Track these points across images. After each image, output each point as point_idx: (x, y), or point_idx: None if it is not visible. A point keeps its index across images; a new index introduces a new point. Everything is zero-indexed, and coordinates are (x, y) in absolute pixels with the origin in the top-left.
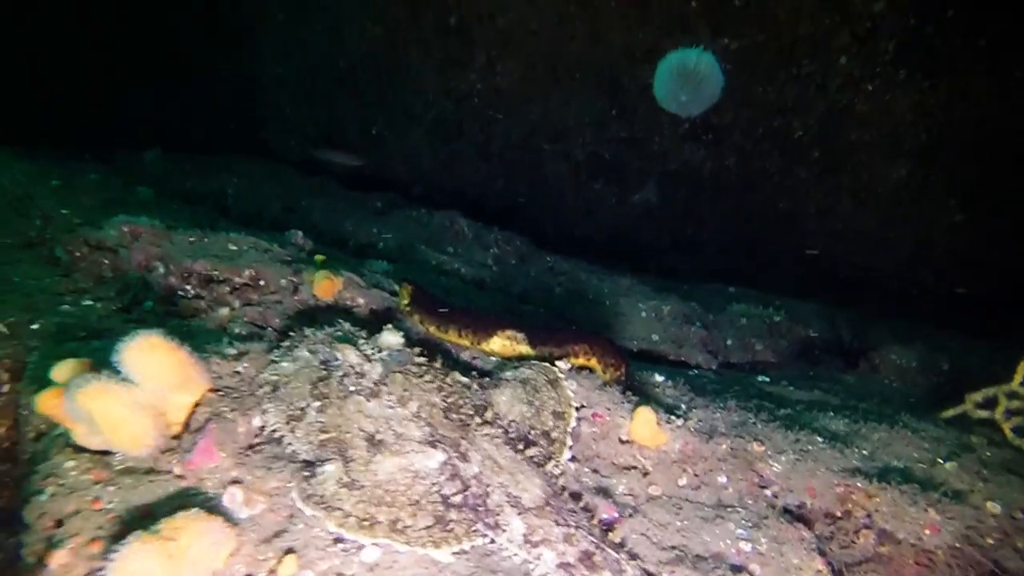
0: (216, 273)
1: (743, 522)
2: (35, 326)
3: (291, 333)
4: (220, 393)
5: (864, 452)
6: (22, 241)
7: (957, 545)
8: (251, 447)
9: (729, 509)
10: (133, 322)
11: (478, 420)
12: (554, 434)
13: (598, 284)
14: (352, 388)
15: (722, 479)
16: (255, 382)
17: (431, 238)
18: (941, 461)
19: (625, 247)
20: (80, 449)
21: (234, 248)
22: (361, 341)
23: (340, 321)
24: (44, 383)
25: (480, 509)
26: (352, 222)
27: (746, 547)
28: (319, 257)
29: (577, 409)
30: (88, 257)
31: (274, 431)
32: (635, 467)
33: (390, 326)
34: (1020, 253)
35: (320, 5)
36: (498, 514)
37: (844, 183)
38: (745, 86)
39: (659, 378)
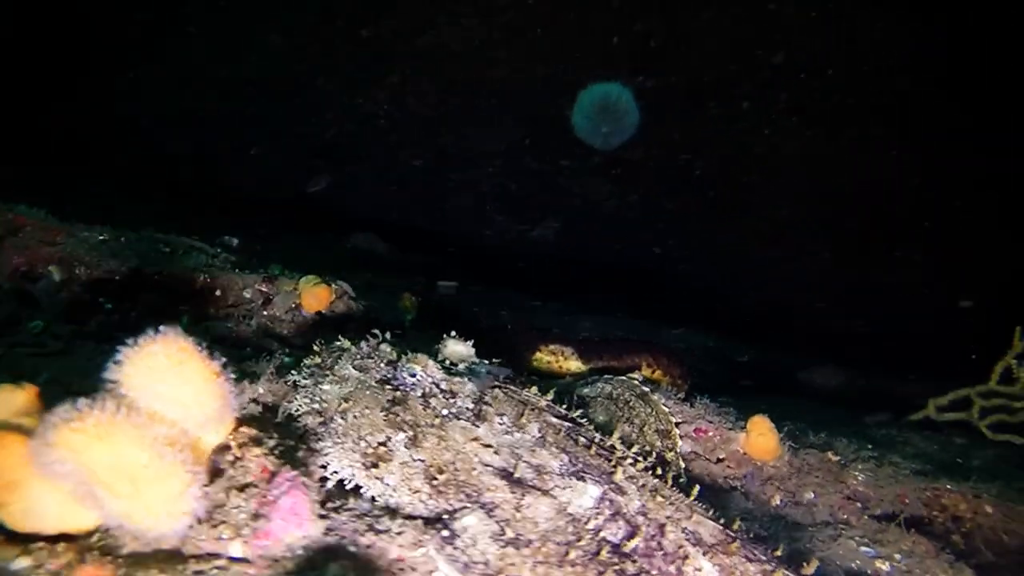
0: (157, 280)
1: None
2: None
3: (315, 347)
4: (252, 428)
5: (906, 456)
6: None
7: None
8: (324, 503)
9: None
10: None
11: (605, 443)
12: (668, 456)
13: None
14: (446, 411)
15: (811, 494)
16: (285, 412)
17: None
18: (960, 460)
19: (534, 278)
20: (18, 537)
21: (168, 250)
22: (410, 353)
23: (374, 333)
24: None
25: (659, 554)
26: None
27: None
28: (311, 278)
29: (676, 425)
30: None
31: (351, 479)
32: (774, 484)
33: (453, 333)
34: (892, 295)
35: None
36: (683, 557)
37: (738, 221)
38: (656, 124)
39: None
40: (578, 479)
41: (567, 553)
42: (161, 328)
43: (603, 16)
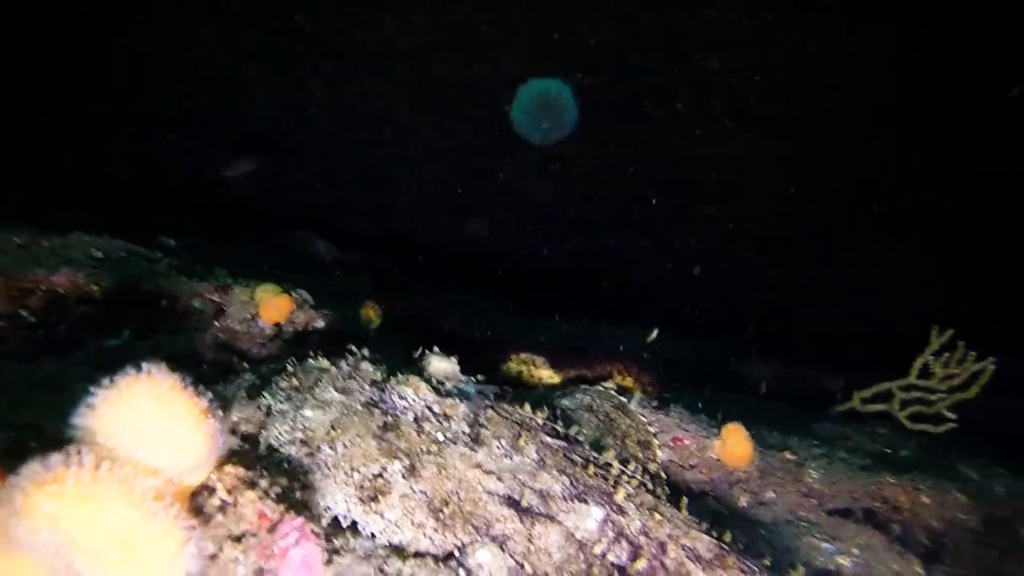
0: (93, 290)
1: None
2: None
3: (289, 367)
4: (239, 467)
5: (848, 450)
6: None
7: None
8: (327, 548)
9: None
10: None
11: (599, 461)
12: (651, 467)
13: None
14: (442, 437)
15: (773, 493)
16: (264, 444)
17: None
18: (889, 451)
19: (475, 277)
20: None
21: (101, 256)
22: (400, 375)
23: (351, 350)
24: None
25: (661, 574)
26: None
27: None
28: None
29: (654, 435)
30: None
31: (346, 515)
32: (741, 486)
33: (436, 349)
34: (819, 291)
35: None
36: (684, 575)
37: (670, 220)
38: (594, 122)
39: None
40: (581, 502)
41: None
42: (144, 365)
43: (545, 15)
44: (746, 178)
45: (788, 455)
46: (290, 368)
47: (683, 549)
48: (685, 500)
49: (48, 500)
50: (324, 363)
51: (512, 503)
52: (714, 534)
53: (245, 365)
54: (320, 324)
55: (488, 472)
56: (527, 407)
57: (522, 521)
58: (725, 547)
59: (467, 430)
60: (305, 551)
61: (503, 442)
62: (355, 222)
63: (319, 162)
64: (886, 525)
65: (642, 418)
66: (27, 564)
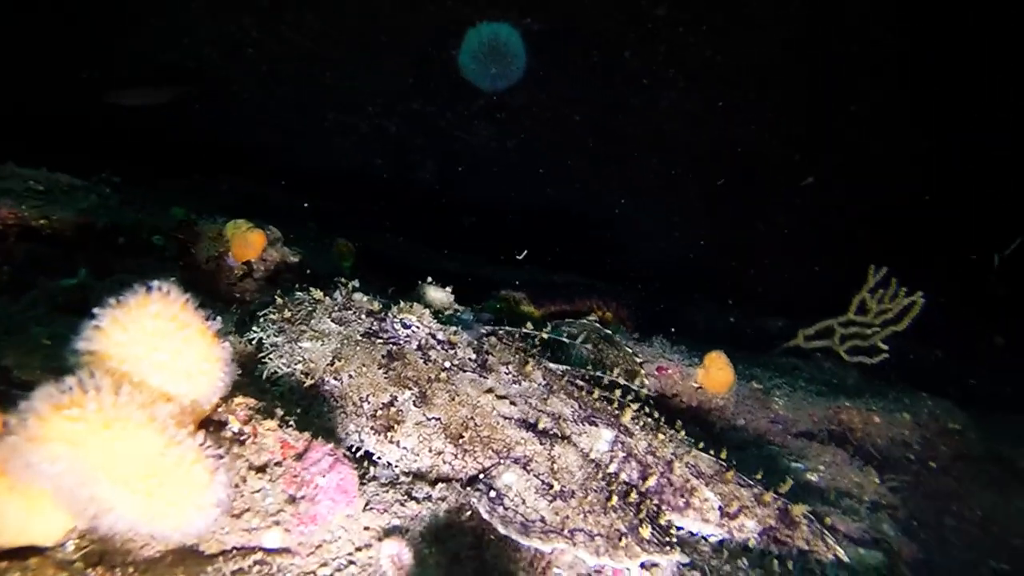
0: (41, 224)
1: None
2: None
3: (279, 300)
4: (249, 397)
5: (805, 380)
6: None
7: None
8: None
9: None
10: None
11: (604, 381)
12: (642, 394)
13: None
14: (449, 364)
15: (742, 420)
16: (267, 376)
17: None
18: (836, 381)
19: (418, 223)
20: None
21: (41, 188)
22: (402, 303)
23: (340, 281)
24: None
25: (669, 489)
26: None
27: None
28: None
29: (640, 365)
30: None
31: (359, 445)
32: (716, 413)
33: (430, 280)
34: (756, 242)
35: None
36: (690, 490)
37: (611, 172)
38: (541, 69)
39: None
40: (591, 424)
41: (609, 499)
42: (154, 284)
43: None
44: (687, 129)
45: (755, 384)
46: (279, 301)
47: (687, 466)
48: (679, 422)
49: (67, 424)
50: (317, 294)
51: (528, 426)
52: (711, 452)
53: (218, 305)
54: (294, 260)
55: (501, 397)
56: (528, 325)
57: (541, 443)
58: (723, 463)
59: (473, 356)
60: (341, 475)
61: (511, 367)
62: (292, 165)
63: (252, 100)
64: (844, 444)
65: (628, 349)
66: (44, 495)
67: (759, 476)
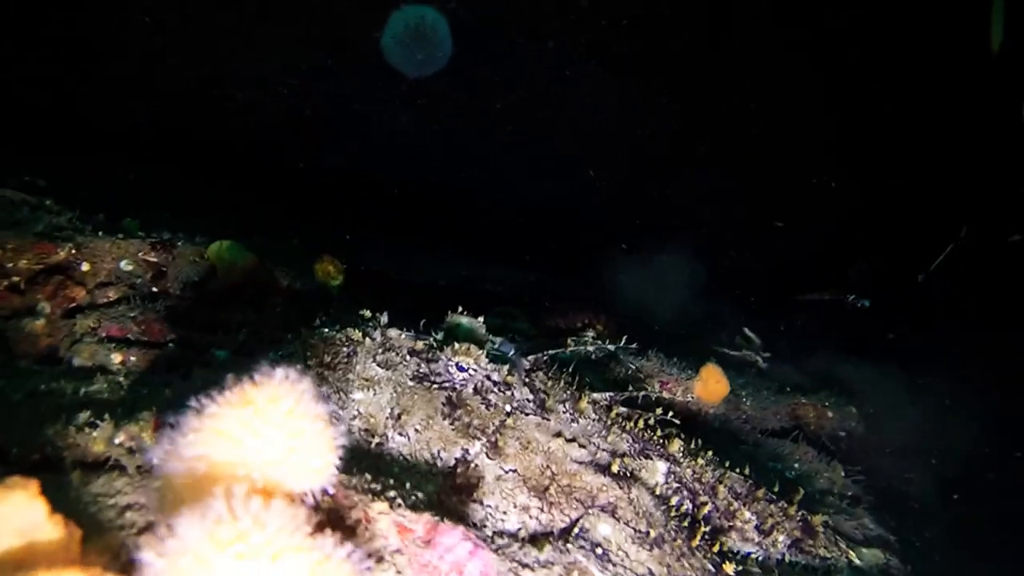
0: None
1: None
2: None
3: (311, 341)
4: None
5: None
6: None
7: None
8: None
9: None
10: None
11: (636, 413)
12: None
13: None
14: (509, 408)
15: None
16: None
17: None
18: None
19: (330, 209)
20: None
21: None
22: (456, 345)
23: (369, 315)
24: None
25: (715, 514)
26: None
27: None
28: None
29: (643, 379)
30: None
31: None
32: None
33: (461, 310)
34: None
35: None
36: (733, 512)
37: (527, 156)
38: (464, 54)
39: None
40: (646, 457)
41: (692, 539)
42: (279, 372)
43: None
44: (607, 119)
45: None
46: (312, 342)
47: (727, 489)
48: (699, 441)
49: (235, 563)
50: (355, 334)
51: (602, 469)
52: (736, 470)
53: (210, 339)
54: (283, 285)
55: (570, 441)
56: (553, 367)
57: (620, 487)
58: (752, 481)
59: (531, 397)
60: (484, 562)
61: (568, 405)
62: (190, 146)
63: (142, 74)
64: (805, 438)
65: (631, 366)
66: None
67: (775, 490)
